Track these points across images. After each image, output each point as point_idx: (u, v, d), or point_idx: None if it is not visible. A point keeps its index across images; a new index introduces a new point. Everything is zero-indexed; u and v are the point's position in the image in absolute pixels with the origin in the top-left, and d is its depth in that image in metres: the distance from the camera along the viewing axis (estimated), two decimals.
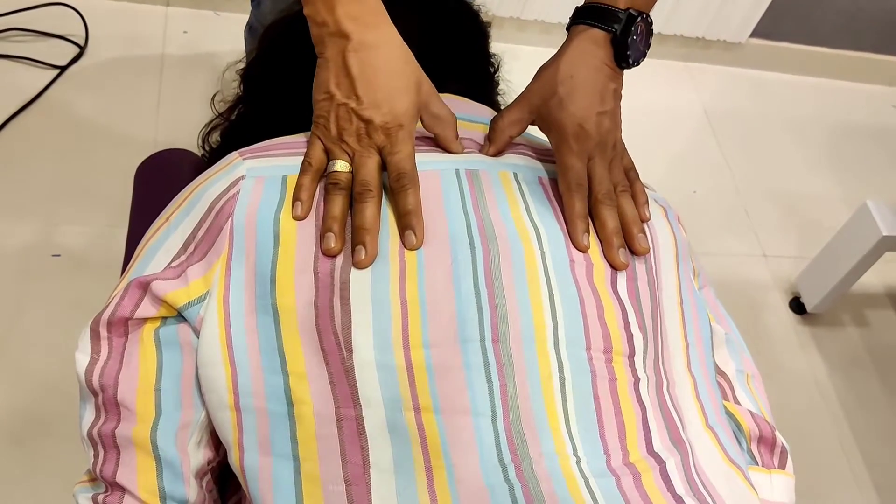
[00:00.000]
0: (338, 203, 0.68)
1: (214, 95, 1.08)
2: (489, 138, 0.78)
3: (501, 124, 0.78)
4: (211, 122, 1.07)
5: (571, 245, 0.72)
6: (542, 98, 0.77)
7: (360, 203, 0.67)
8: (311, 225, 0.68)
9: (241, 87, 1.04)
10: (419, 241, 0.66)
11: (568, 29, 0.81)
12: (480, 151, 0.77)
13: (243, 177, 0.70)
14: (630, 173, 0.80)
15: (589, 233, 0.72)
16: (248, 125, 0.98)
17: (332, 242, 0.65)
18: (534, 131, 0.82)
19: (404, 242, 0.67)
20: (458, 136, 0.76)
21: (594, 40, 0.77)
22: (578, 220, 0.72)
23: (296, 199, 0.68)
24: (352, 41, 0.70)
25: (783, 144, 2.32)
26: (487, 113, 0.87)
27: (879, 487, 1.66)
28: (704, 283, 0.86)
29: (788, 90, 2.48)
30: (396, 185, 0.68)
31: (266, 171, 0.71)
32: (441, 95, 0.80)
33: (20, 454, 1.31)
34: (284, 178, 0.70)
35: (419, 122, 0.75)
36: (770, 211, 2.13)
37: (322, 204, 0.69)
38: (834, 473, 1.67)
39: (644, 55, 0.79)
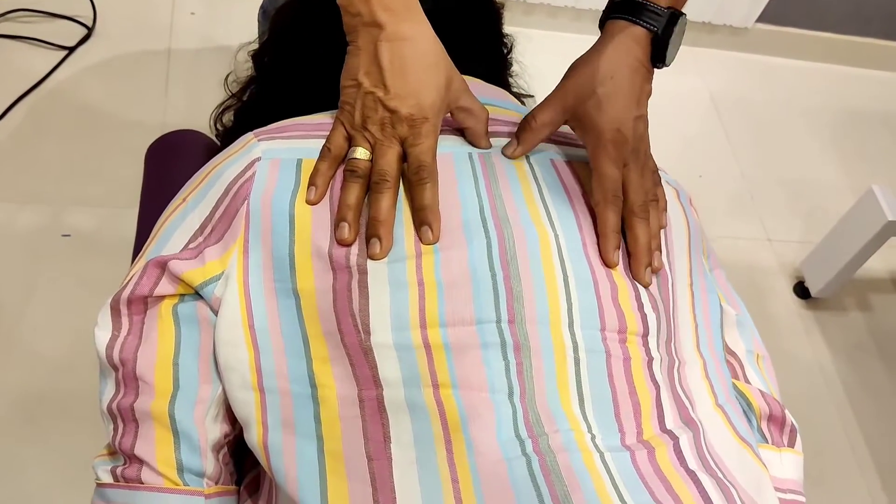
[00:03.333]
0: (354, 191, 0.68)
1: (228, 76, 1.08)
2: (518, 137, 0.76)
3: (534, 125, 0.76)
4: (223, 102, 1.07)
5: (584, 227, 0.72)
6: (579, 98, 0.75)
7: (377, 193, 0.67)
8: (325, 210, 0.68)
9: (254, 68, 1.04)
10: (435, 237, 0.66)
11: (602, 22, 0.78)
12: (504, 152, 0.75)
13: (259, 159, 0.70)
14: (654, 177, 0.78)
15: (619, 249, 0.71)
16: (261, 106, 0.98)
17: (346, 233, 0.66)
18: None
19: (420, 238, 0.66)
20: (487, 130, 0.75)
21: (635, 38, 0.75)
22: (612, 234, 0.71)
23: (311, 183, 0.69)
24: (385, 31, 0.69)
25: (789, 130, 2.32)
26: (502, 95, 0.88)
27: (882, 471, 1.66)
28: (715, 265, 0.87)
29: (795, 76, 2.47)
30: (415, 178, 0.68)
31: (281, 153, 0.71)
32: None
33: (34, 433, 1.31)
34: (300, 162, 0.70)
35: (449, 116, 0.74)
36: (775, 196, 2.13)
37: (338, 190, 0.69)
38: (837, 457, 1.68)
39: (675, 55, 0.77)
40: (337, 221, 0.67)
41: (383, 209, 0.66)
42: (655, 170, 0.79)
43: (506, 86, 0.97)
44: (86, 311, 0.69)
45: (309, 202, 0.68)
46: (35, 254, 1.51)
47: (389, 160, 0.69)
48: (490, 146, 0.75)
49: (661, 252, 0.74)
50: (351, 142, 0.71)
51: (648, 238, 0.72)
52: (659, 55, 0.76)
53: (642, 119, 0.76)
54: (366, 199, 0.69)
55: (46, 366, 1.38)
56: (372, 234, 0.66)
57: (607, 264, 0.70)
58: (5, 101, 1.71)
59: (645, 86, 0.76)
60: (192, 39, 1.95)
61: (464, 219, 0.69)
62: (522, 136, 0.76)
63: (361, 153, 0.69)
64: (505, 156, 0.75)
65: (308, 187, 0.69)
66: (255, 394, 0.65)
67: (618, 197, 0.72)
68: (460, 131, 0.76)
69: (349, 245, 0.66)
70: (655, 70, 0.78)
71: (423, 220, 0.67)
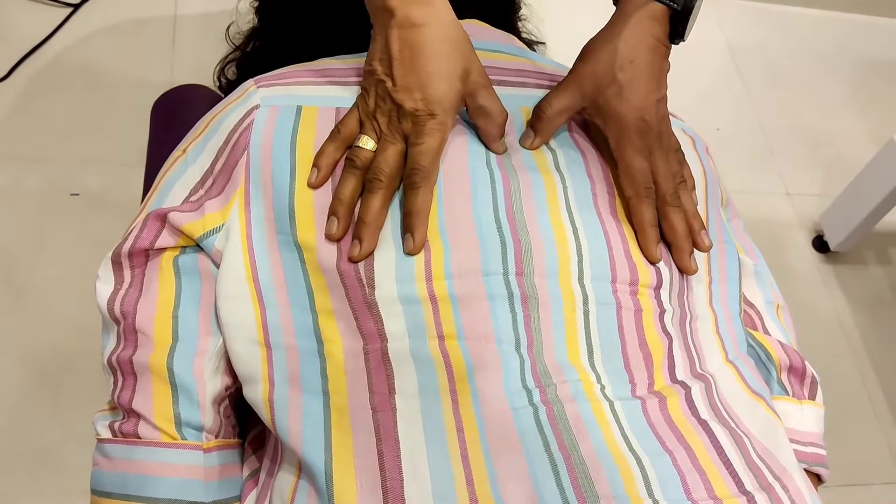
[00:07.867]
0: (349, 184, 0.65)
1: (229, 27, 1.07)
2: (532, 126, 0.72)
3: (549, 113, 0.71)
4: (227, 55, 1.06)
5: (594, 177, 0.70)
6: (597, 85, 0.71)
7: (368, 192, 0.65)
8: None
9: (256, 19, 1.03)
10: (417, 247, 0.63)
11: None
12: (521, 143, 0.72)
13: (257, 106, 0.69)
14: (678, 155, 0.75)
15: (660, 241, 0.69)
16: (264, 57, 0.97)
17: (334, 228, 0.63)
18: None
19: (403, 245, 0.63)
20: (503, 134, 0.70)
21: (653, 16, 0.71)
22: (650, 229, 0.68)
23: (314, 165, 0.66)
24: (396, 17, 0.66)
25: (808, 81, 2.27)
26: (509, 41, 0.85)
27: None
28: (733, 215, 0.85)
29: (814, 25, 2.42)
30: (407, 181, 0.65)
31: (281, 99, 0.69)
32: (462, 22, 0.78)
33: (46, 389, 1.32)
34: (299, 109, 0.69)
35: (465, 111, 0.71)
36: (795, 148, 2.09)
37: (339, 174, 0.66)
38: (857, 412, 1.67)
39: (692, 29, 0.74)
40: (329, 213, 0.64)
41: (371, 210, 0.63)
42: (678, 148, 0.76)
43: (514, 30, 0.94)
44: (96, 269, 0.69)
45: (310, 185, 0.65)
46: (45, 213, 1.51)
47: (388, 157, 0.65)
48: (505, 150, 0.71)
49: (706, 230, 0.72)
50: (361, 128, 0.68)
51: (685, 225, 0.70)
52: (678, 32, 0.72)
53: (663, 100, 0.73)
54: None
55: (58, 323, 1.38)
56: (355, 235, 0.63)
57: (650, 260, 0.68)
58: (11, 60, 1.69)
59: (664, 64, 0.73)
60: None
61: (469, 168, 0.67)
62: (538, 125, 0.72)
63: (365, 142, 0.67)
64: (522, 147, 0.72)
65: (311, 168, 0.66)
66: (261, 349, 0.64)
67: (650, 188, 0.70)
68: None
69: (336, 241, 0.64)
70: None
71: (407, 227, 0.64)
